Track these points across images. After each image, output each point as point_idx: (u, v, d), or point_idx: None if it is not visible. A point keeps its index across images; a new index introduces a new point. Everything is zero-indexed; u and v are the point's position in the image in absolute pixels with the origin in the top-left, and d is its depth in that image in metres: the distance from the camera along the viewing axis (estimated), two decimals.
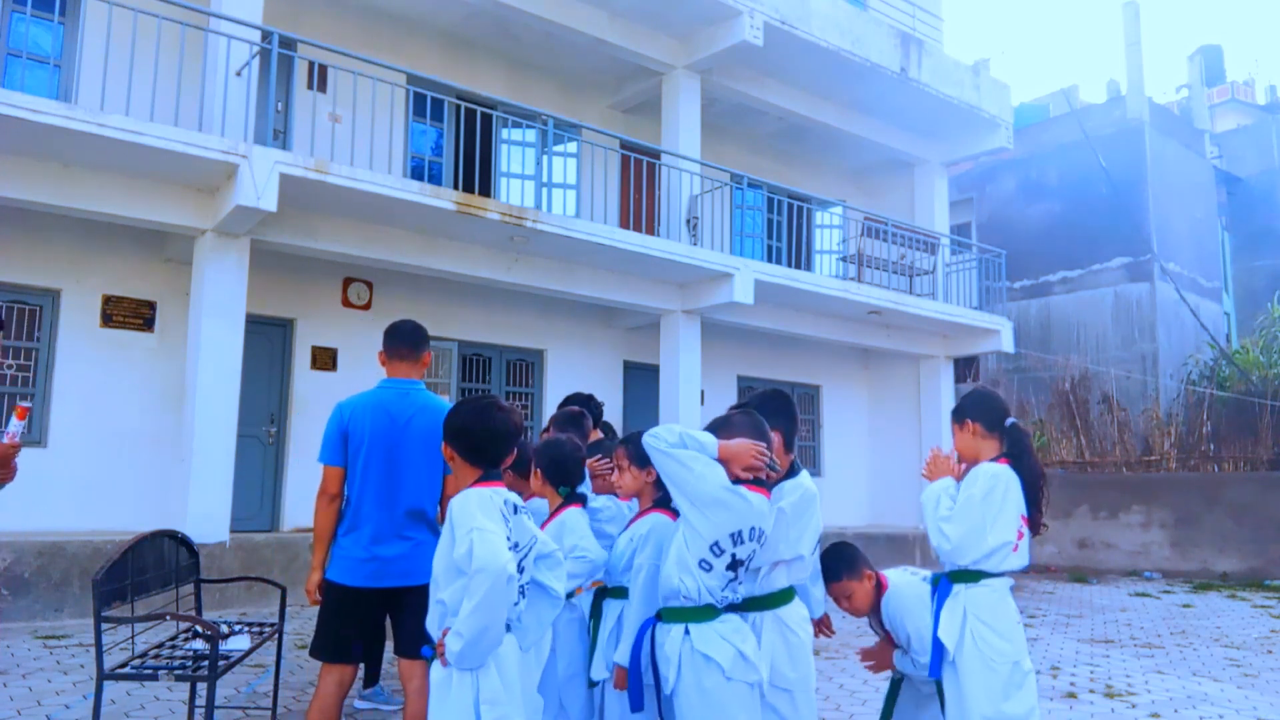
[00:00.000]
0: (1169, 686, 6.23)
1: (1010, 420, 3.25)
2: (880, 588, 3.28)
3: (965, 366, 15.24)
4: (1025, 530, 3.10)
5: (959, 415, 3.32)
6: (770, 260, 13.44)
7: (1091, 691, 6.02)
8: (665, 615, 2.81)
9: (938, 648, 3.09)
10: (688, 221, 11.52)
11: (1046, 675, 6.49)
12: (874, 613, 3.31)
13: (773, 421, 2.99)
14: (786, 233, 13.73)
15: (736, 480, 2.75)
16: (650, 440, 2.75)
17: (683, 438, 2.72)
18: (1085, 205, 17.88)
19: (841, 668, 6.45)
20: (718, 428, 2.90)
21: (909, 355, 14.62)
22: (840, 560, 3.28)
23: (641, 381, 12.52)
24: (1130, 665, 6.91)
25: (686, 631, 2.75)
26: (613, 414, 11.92)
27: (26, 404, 4.21)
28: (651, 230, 11.44)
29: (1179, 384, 15.94)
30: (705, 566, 2.71)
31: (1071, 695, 5.89)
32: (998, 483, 3.07)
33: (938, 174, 15.29)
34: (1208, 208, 19.63)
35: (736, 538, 2.71)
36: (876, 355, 15.07)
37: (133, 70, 7.71)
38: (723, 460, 2.75)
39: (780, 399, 3.18)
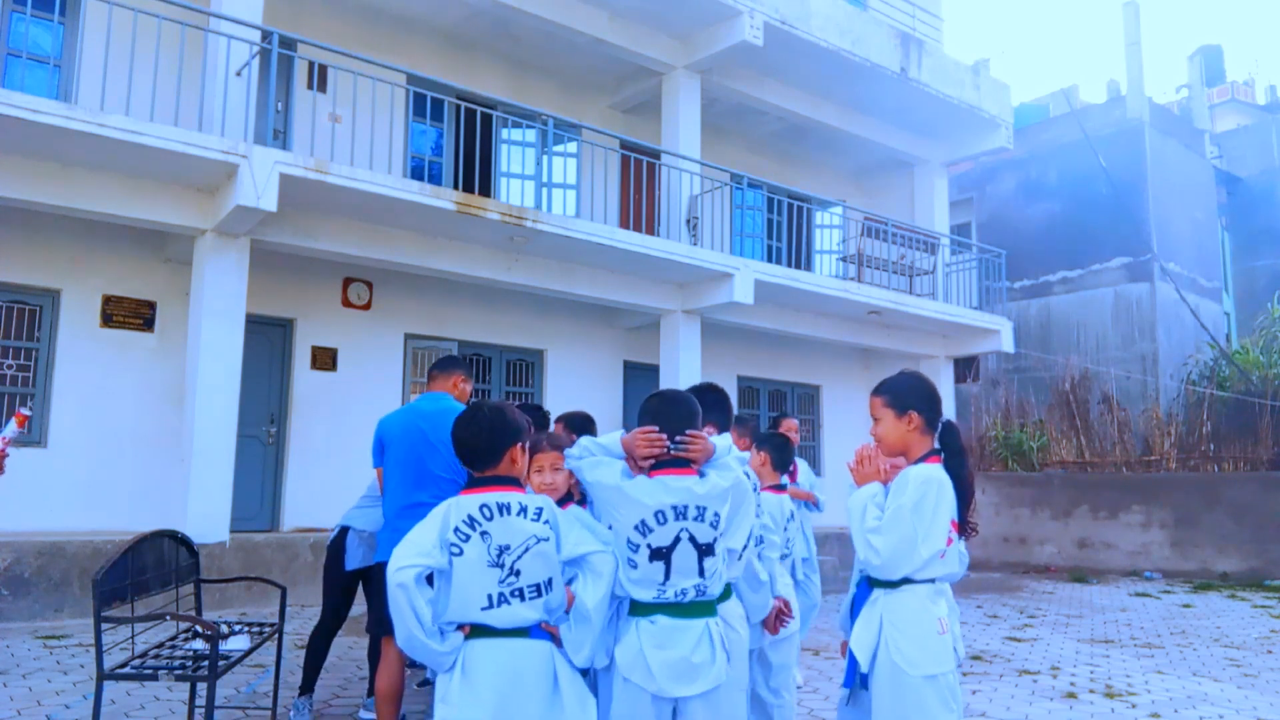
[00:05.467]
0: (1169, 686, 6.23)
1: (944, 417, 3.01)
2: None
3: (965, 366, 15.25)
4: (954, 535, 2.84)
5: (900, 404, 2.95)
6: (770, 260, 13.44)
7: (1091, 691, 6.02)
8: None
9: (851, 658, 2.92)
10: (688, 221, 11.53)
11: (1047, 675, 6.50)
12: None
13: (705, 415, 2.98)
14: (786, 233, 13.73)
15: (651, 470, 2.76)
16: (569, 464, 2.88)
17: (585, 448, 2.80)
18: (1085, 205, 17.88)
19: (841, 668, 6.44)
20: (638, 417, 2.92)
21: (909, 355, 14.61)
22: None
23: (641, 381, 12.52)
24: (1130, 665, 6.92)
25: (620, 616, 2.74)
26: (613, 414, 11.93)
27: (28, 411, 4.23)
28: (651, 230, 11.44)
29: (1179, 384, 15.94)
30: (631, 565, 2.68)
31: (1071, 695, 5.90)
32: (929, 489, 2.79)
33: (938, 174, 15.29)
34: (1208, 208, 19.63)
35: (643, 528, 2.66)
36: (876, 355, 15.06)
37: (133, 70, 7.71)
38: (626, 454, 2.80)
39: (708, 393, 3.11)
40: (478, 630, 2.53)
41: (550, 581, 2.58)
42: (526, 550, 2.53)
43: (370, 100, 9.05)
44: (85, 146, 7.17)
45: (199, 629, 4.26)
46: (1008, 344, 14.46)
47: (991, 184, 19.55)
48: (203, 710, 3.93)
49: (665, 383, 11.52)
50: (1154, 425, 14.93)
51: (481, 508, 2.54)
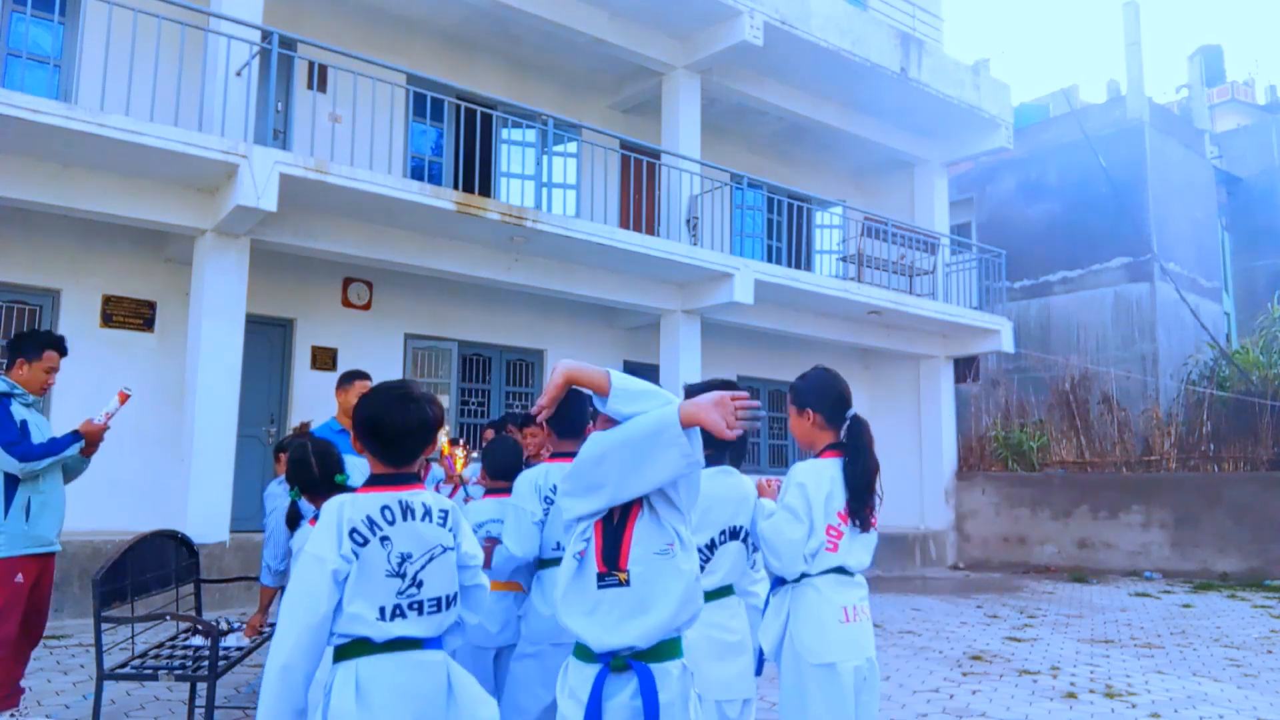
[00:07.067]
0: (1169, 686, 6.23)
1: (851, 412, 3.06)
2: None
3: (965, 366, 15.24)
4: (845, 527, 2.92)
5: (799, 401, 3.09)
6: (770, 260, 13.44)
7: (1091, 691, 6.02)
8: (671, 650, 2.25)
9: (757, 649, 3.02)
10: (688, 221, 11.52)
11: (1047, 675, 6.50)
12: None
13: None
14: (786, 233, 13.73)
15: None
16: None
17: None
18: (1085, 205, 17.87)
19: None
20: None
21: (909, 355, 14.62)
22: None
23: None
24: (1130, 665, 6.91)
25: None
26: None
27: (129, 390, 4.41)
28: (651, 230, 11.44)
29: (1179, 384, 15.93)
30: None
31: (1071, 695, 5.90)
32: (801, 487, 2.90)
33: (938, 174, 15.29)
34: (1208, 208, 19.61)
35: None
36: (876, 355, 15.06)
37: (133, 70, 7.71)
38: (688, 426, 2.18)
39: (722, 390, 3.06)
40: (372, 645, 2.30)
41: None
42: None
43: (370, 100, 9.05)
44: (85, 146, 7.17)
45: (199, 629, 4.26)
46: (1008, 344, 14.47)
47: (991, 184, 19.54)
48: (203, 710, 3.93)
49: (665, 383, 11.52)
50: (1154, 425, 14.92)
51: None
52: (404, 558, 2.27)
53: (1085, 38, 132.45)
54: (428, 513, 2.34)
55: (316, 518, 3.15)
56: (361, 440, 2.39)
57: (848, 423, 3.02)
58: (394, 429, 2.35)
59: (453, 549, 2.38)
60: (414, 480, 2.39)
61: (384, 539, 2.25)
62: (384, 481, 2.35)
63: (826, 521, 2.88)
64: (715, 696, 2.72)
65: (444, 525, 2.37)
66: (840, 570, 2.91)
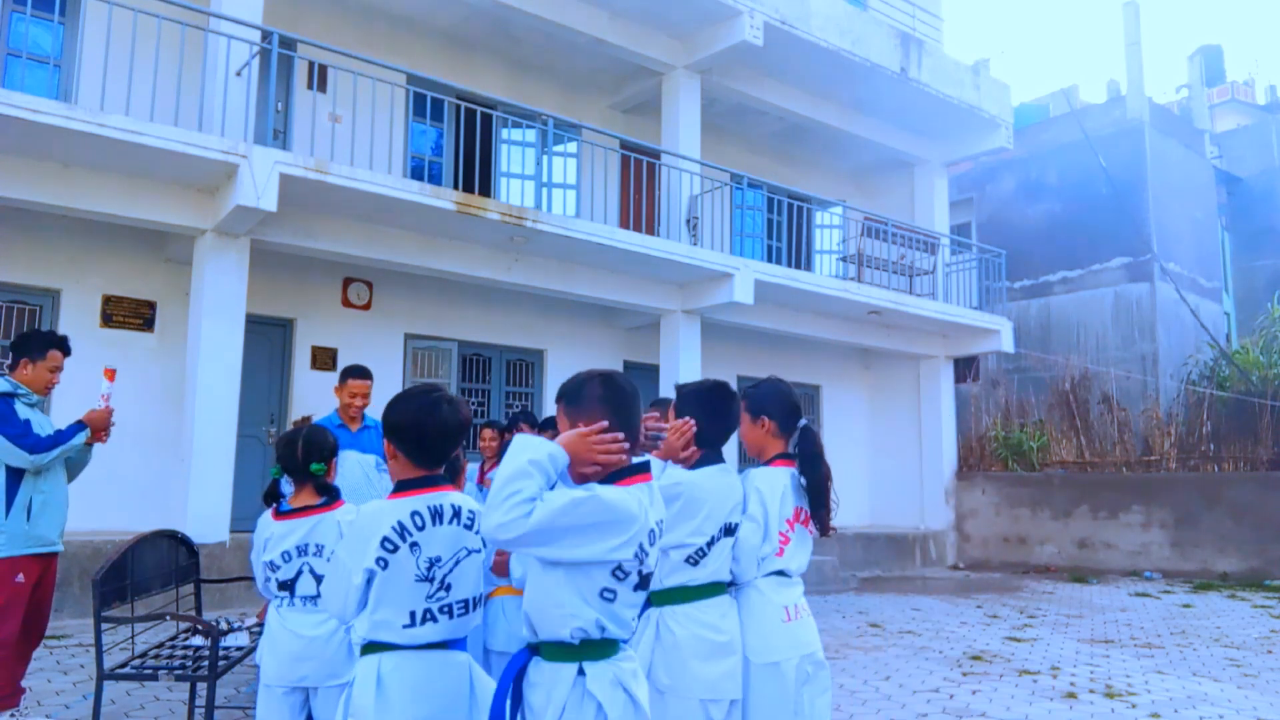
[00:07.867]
0: (1169, 686, 6.23)
1: (803, 421, 3.17)
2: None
3: (965, 366, 15.25)
4: (792, 533, 3.04)
5: (755, 410, 3.17)
6: (770, 260, 13.44)
7: (1091, 691, 6.02)
8: (548, 652, 2.16)
9: None
10: (688, 221, 11.52)
11: (1047, 675, 6.50)
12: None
13: (685, 412, 2.94)
14: (786, 233, 13.73)
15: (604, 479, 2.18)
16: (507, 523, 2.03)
17: (522, 475, 2.05)
18: (1085, 205, 17.87)
19: (842, 668, 6.46)
20: (571, 400, 2.29)
21: (909, 355, 14.62)
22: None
23: (641, 381, 12.39)
24: (1130, 665, 6.92)
25: (581, 671, 2.14)
26: None
27: (113, 367, 4.45)
28: (651, 230, 11.44)
29: (1179, 384, 15.92)
30: (609, 596, 2.14)
31: (1071, 695, 5.90)
32: (762, 491, 3.01)
33: (938, 174, 15.29)
34: (1208, 208, 19.62)
35: (640, 553, 2.14)
36: (876, 355, 15.06)
37: (133, 70, 7.71)
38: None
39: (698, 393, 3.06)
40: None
41: None
42: None
43: (370, 100, 9.05)
44: (85, 146, 7.17)
45: (199, 629, 4.26)
46: (1008, 344, 14.47)
47: (991, 184, 19.54)
48: (203, 710, 3.93)
49: (665, 382, 11.53)
50: (1154, 425, 14.92)
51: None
52: (432, 562, 2.32)
53: (1085, 38, 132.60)
54: (456, 514, 2.37)
55: (278, 507, 3.24)
56: (394, 444, 2.40)
57: (799, 432, 3.14)
58: (430, 432, 2.38)
59: (479, 550, 2.41)
60: (443, 481, 2.42)
61: (413, 545, 2.30)
62: (414, 485, 2.38)
63: (778, 528, 3.02)
64: (700, 696, 2.74)
65: (470, 528, 2.39)
66: (781, 573, 3.03)
